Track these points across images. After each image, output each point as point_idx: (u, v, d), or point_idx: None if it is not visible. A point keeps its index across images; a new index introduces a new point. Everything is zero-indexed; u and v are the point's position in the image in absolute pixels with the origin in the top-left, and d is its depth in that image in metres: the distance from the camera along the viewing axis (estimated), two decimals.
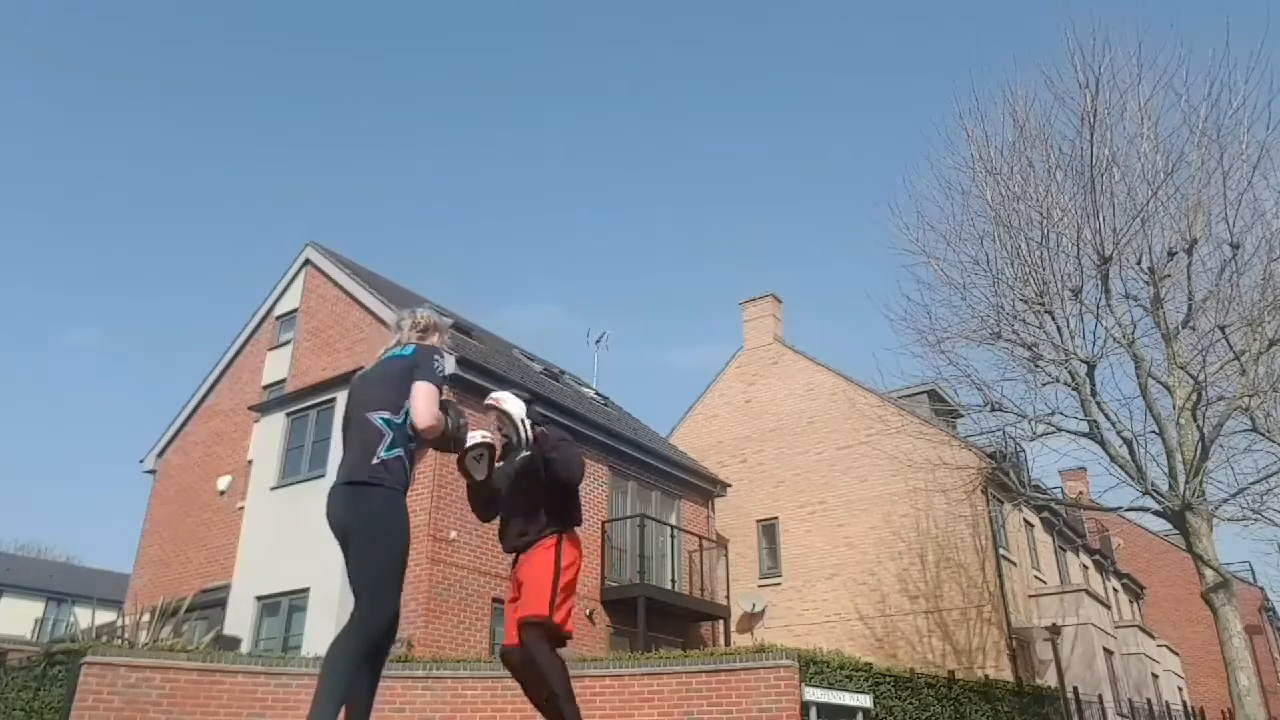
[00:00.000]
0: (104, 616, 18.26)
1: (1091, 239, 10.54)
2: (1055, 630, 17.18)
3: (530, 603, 3.92)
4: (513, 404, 4.23)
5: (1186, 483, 10.33)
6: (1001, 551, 18.49)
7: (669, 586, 16.77)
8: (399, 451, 3.36)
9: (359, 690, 3.22)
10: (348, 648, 3.09)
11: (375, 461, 3.30)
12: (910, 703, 11.02)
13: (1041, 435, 11.43)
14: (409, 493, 3.41)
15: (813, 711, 9.40)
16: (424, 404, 3.40)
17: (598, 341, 23.19)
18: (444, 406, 3.53)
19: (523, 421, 4.17)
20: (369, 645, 3.14)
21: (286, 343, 16.90)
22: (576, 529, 4.23)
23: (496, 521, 4.30)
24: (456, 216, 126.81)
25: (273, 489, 14.08)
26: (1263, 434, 11.01)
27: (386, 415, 3.38)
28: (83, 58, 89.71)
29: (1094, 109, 10.50)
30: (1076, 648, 18.77)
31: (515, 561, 4.17)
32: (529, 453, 4.15)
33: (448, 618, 12.42)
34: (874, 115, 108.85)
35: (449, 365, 3.47)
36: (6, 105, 73.19)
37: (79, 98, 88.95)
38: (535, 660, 3.86)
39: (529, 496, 4.13)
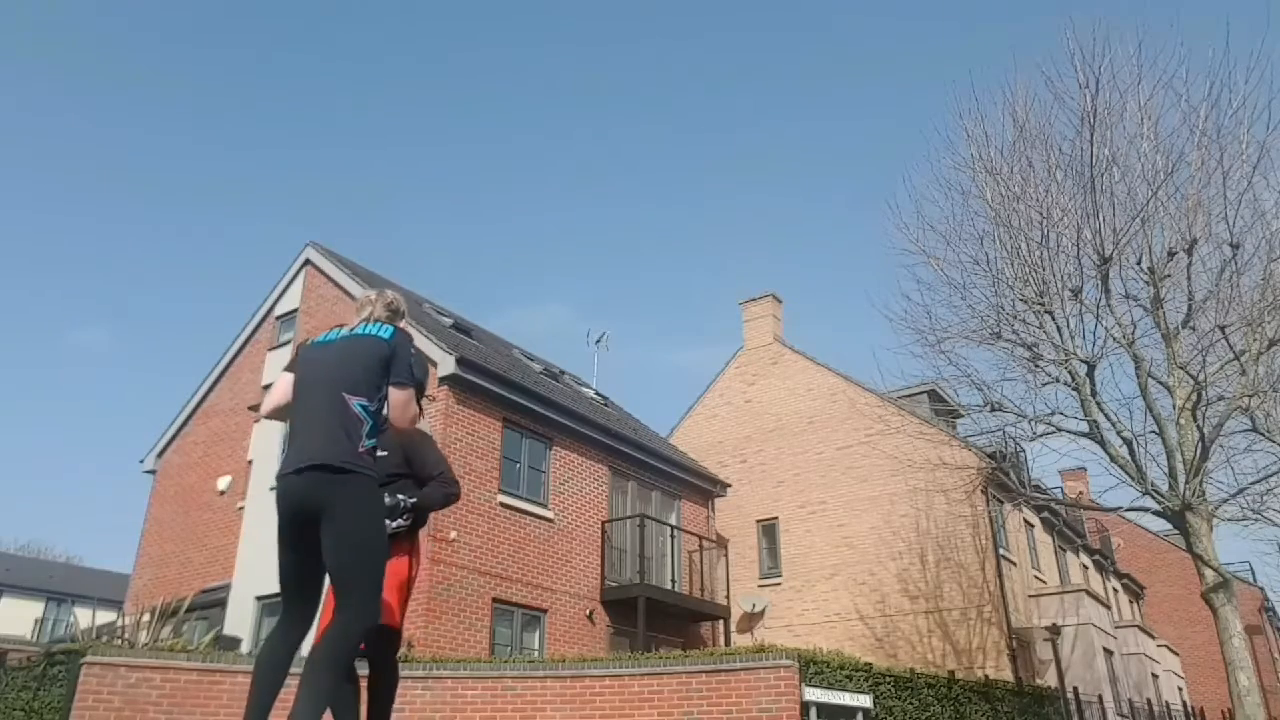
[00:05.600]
0: (104, 616, 18.28)
1: (1091, 239, 10.53)
2: (1055, 630, 17.18)
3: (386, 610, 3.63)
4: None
5: (1186, 483, 10.32)
6: (1001, 551, 18.50)
7: (669, 586, 16.75)
8: (375, 441, 3.21)
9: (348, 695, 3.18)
10: (341, 647, 2.97)
11: (361, 449, 3.11)
12: (910, 703, 11.02)
13: (1041, 435, 11.41)
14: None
15: (813, 711, 9.39)
16: (406, 413, 3.31)
17: (598, 341, 23.13)
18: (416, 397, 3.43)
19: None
20: (357, 646, 3.06)
21: (287, 343, 16.86)
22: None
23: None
24: (458, 217, 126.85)
25: (273, 489, 14.02)
26: (1263, 434, 10.99)
27: (364, 402, 3.20)
28: (84, 59, 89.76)
29: (1094, 109, 10.48)
30: (1076, 648, 18.77)
31: None
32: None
33: (447, 618, 12.41)
34: (874, 115, 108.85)
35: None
36: (10, 103, 73.24)
37: (81, 99, 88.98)
38: (391, 669, 3.73)
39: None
